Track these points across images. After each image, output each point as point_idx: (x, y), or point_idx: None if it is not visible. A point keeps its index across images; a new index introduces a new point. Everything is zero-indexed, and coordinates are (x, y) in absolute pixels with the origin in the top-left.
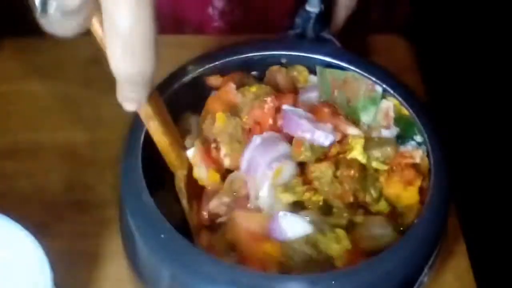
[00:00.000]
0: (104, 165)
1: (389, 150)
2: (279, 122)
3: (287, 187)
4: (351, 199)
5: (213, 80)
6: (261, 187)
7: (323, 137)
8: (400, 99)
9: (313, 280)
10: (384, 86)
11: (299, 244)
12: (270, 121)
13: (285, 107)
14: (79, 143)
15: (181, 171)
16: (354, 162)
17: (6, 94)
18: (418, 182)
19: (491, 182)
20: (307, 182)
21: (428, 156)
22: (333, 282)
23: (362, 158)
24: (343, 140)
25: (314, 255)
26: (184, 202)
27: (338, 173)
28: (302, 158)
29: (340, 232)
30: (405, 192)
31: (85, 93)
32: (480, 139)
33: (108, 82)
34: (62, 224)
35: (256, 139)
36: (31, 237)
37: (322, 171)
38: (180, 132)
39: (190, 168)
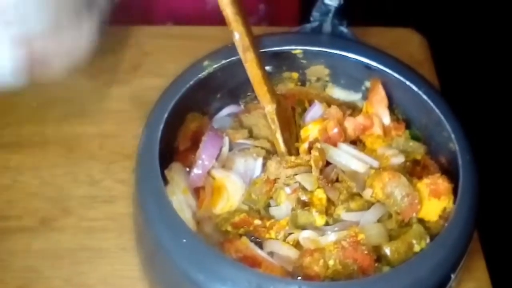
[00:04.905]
0: (111, 159)
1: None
2: None
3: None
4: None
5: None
6: None
7: None
8: (427, 98)
9: (345, 286)
10: (408, 83)
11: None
12: None
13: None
14: (85, 136)
15: (271, 105)
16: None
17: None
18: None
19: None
20: None
21: (456, 160)
22: None
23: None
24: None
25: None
26: (278, 131)
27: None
28: None
29: None
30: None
31: (91, 85)
32: (494, 135)
33: (114, 74)
34: (69, 219)
35: None
36: None
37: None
38: (184, 132)
39: (278, 102)
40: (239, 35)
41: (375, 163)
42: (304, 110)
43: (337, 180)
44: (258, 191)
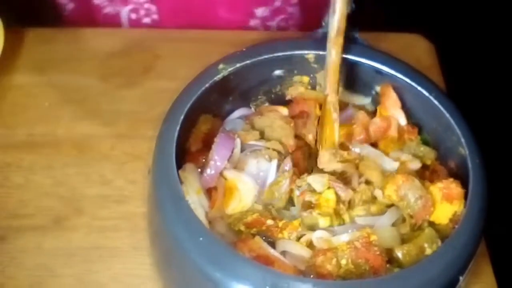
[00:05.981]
0: (123, 159)
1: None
2: None
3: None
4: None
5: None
6: None
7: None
8: (438, 103)
9: (355, 286)
10: (418, 88)
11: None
12: None
13: None
14: (97, 136)
15: (336, 94)
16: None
17: (23, 86)
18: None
19: None
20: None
21: (465, 164)
22: None
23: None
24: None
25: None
26: (337, 121)
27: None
28: None
29: None
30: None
31: (104, 87)
32: (502, 140)
33: (126, 76)
34: (81, 218)
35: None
36: None
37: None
38: (196, 134)
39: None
40: (339, 16)
41: (396, 165)
42: None
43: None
44: (283, 189)
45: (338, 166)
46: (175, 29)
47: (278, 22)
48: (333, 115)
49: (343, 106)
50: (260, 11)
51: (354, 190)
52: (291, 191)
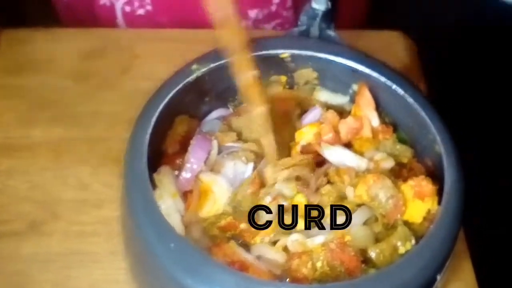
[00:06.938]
0: (100, 162)
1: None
2: None
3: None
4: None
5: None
6: None
7: None
8: (413, 101)
9: None
10: (394, 86)
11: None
12: None
13: None
14: (74, 140)
15: (261, 107)
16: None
17: None
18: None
19: (494, 188)
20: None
21: (441, 162)
22: None
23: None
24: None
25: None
26: (270, 132)
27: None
28: None
29: None
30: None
31: (81, 88)
32: (481, 140)
33: (104, 77)
34: (58, 223)
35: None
36: None
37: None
38: (172, 136)
39: (267, 105)
40: (231, 38)
41: (367, 164)
42: (303, 112)
43: (328, 182)
44: (244, 191)
45: (285, 174)
46: (153, 28)
47: (274, 27)
48: (263, 127)
49: (308, 104)
50: (254, 13)
51: (318, 191)
52: (256, 196)
